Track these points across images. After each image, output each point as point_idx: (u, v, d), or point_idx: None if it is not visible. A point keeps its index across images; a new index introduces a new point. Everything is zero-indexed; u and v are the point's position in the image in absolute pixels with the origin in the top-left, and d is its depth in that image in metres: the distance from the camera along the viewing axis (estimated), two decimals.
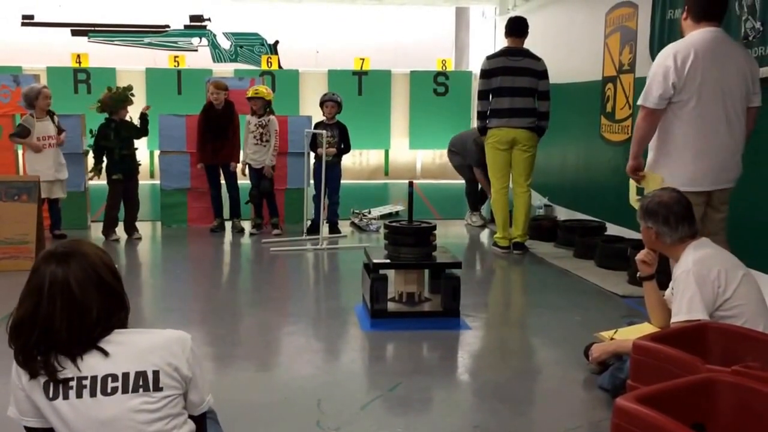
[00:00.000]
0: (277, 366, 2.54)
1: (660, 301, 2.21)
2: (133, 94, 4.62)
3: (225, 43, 7.76)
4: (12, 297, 3.99)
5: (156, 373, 1.17)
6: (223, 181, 4.98)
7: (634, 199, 2.65)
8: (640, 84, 4.34)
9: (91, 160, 4.77)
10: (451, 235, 5.20)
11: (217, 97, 4.77)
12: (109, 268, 1.23)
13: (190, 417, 1.26)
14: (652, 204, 2.12)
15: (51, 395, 1.15)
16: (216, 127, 4.78)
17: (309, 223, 4.78)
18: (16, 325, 1.18)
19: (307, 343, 2.78)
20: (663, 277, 2.28)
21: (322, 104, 4.89)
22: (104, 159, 4.51)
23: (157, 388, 1.17)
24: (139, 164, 4.74)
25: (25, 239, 3.83)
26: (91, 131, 4.66)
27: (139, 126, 4.67)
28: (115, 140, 4.49)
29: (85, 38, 7.57)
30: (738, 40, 3.20)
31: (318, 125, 4.83)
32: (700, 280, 1.96)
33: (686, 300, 1.96)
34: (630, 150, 2.61)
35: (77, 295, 1.17)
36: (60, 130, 4.52)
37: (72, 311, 1.16)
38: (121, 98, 4.54)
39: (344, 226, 5.06)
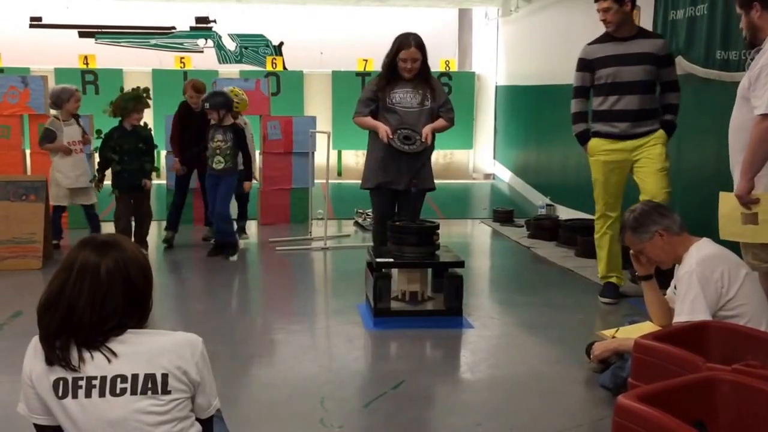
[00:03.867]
0: (281, 364, 2.56)
1: (659, 300, 2.21)
2: (149, 97, 4.17)
3: (230, 45, 7.82)
4: (20, 295, 4.00)
5: (165, 377, 1.18)
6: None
7: (739, 228, 2.18)
8: None
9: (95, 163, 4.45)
10: (454, 234, 5.21)
11: (196, 101, 4.36)
12: (141, 269, 1.24)
13: (197, 420, 1.27)
14: (637, 216, 2.13)
15: (60, 394, 1.16)
16: (196, 131, 4.30)
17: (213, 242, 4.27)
18: (44, 302, 1.20)
19: (310, 341, 2.80)
20: (663, 278, 2.28)
21: (217, 110, 4.08)
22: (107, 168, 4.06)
23: (166, 391, 1.18)
24: (156, 168, 4.21)
25: (33, 239, 3.87)
26: (99, 132, 4.30)
27: (151, 143, 4.18)
28: (119, 153, 3.98)
29: (93, 40, 7.63)
30: (740, 42, 3.19)
31: (210, 128, 4.13)
32: (704, 281, 1.97)
33: (689, 301, 1.96)
34: (742, 169, 2.16)
35: (103, 284, 1.19)
36: (84, 133, 4.27)
37: (96, 297, 1.18)
38: (131, 97, 4.04)
39: (348, 226, 5.09)
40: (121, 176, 4.03)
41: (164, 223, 4.67)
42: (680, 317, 1.99)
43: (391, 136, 3.01)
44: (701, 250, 2.06)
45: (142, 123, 4.18)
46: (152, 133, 4.28)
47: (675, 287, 2.12)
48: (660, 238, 2.11)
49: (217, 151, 4.03)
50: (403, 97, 3.10)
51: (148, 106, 4.15)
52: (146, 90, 4.15)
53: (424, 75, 3.11)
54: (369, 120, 3.13)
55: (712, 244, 2.13)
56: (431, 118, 3.15)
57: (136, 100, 4.03)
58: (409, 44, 2.99)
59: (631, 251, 2.24)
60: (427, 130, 3.10)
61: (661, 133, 3.14)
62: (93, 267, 1.19)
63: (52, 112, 4.32)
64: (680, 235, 2.11)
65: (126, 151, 4.00)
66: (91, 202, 4.27)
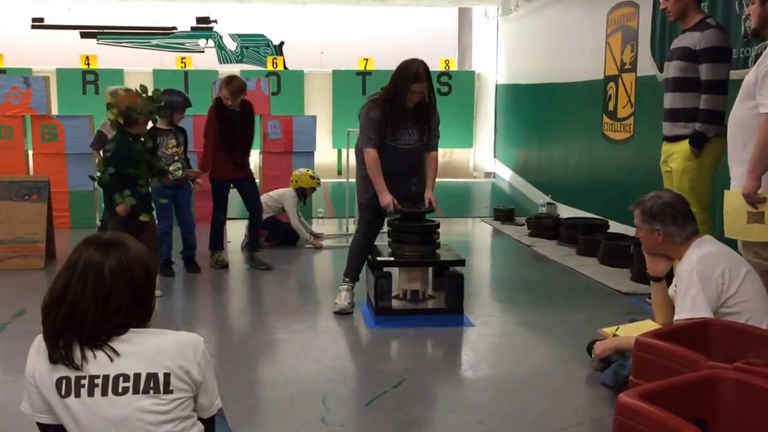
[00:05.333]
0: (283, 363, 2.56)
1: (667, 301, 2.19)
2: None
3: (231, 45, 7.83)
4: (23, 294, 3.99)
5: (167, 376, 1.18)
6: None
7: (745, 227, 2.17)
8: (641, 83, 4.37)
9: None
10: (455, 233, 5.22)
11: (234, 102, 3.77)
12: (144, 268, 1.24)
13: (199, 419, 1.27)
14: (656, 206, 2.10)
15: (63, 393, 1.17)
16: (236, 133, 3.75)
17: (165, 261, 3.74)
18: (49, 300, 1.20)
19: (312, 340, 2.80)
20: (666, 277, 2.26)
21: (167, 109, 3.53)
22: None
23: (168, 390, 1.18)
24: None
25: (36, 238, 3.88)
26: (104, 151, 3.36)
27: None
28: (146, 168, 3.23)
29: (94, 40, 7.65)
30: (738, 39, 3.19)
31: (152, 132, 3.54)
32: (704, 278, 1.96)
33: (690, 298, 1.96)
34: (749, 168, 2.14)
35: (107, 283, 1.19)
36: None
37: (99, 295, 1.19)
38: (158, 103, 3.24)
39: (349, 224, 5.09)
40: (148, 196, 3.30)
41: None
42: (681, 314, 1.99)
43: (397, 206, 2.90)
44: (702, 247, 2.06)
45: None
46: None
47: (676, 285, 2.11)
48: (656, 235, 2.11)
49: (175, 158, 3.65)
50: (404, 133, 2.93)
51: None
52: (157, 92, 3.36)
53: (426, 104, 2.90)
54: (379, 175, 2.88)
55: (712, 241, 2.12)
56: (421, 153, 3.01)
57: (161, 107, 3.30)
58: (421, 78, 2.81)
59: (645, 252, 2.22)
60: (430, 196, 2.98)
61: (683, 145, 2.82)
62: (97, 266, 1.19)
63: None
64: (678, 244, 2.09)
65: (146, 164, 3.28)
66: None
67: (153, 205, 3.43)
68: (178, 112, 3.66)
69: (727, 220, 2.29)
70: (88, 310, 1.18)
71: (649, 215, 2.11)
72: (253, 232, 4.03)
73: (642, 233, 2.16)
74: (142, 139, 3.32)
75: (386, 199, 2.90)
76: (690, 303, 1.96)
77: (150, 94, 3.26)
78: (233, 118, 3.77)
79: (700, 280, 1.96)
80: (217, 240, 3.95)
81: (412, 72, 2.82)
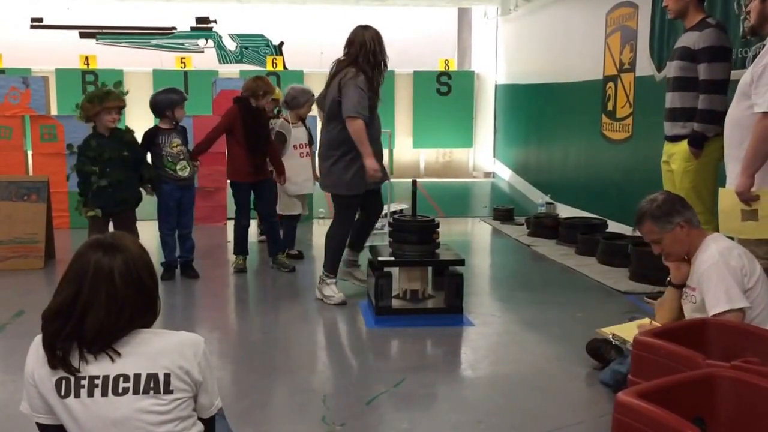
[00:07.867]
0: (283, 362, 2.57)
1: (677, 306, 2.16)
2: (121, 92, 3.37)
3: (230, 45, 7.82)
4: (22, 295, 3.99)
5: (167, 376, 1.18)
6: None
7: (739, 224, 2.19)
8: (640, 83, 4.37)
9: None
10: (455, 232, 5.22)
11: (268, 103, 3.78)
12: (147, 269, 1.23)
13: (199, 419, 1.27)
14: (662, 205, 2.06)
15: (63, 393, 1.16)
16: (260, 134, 3.67)
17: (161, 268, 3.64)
18: (53, 311, 1.18)
19: (312, 339, 2.81)
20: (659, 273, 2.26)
21: (168, 108, 3.54)
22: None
23: (168, 390, 1.18)
24: (156, 176, 3.51)
25: (35, 238, 3.88)
26: (70, 146, 3.56)
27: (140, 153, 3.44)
28: (99, 164, 3.28)
29: (93, 40, 7.64)
30: (736, 39, 3.19)
31: (153, 133, 3.56)
32: (731, 270, 1.95)
33: (723, 290, 1.93)
34: (743, 166, 2.15)
35: (119, 289, 1.18)
36: (310, 137, 3.86)
37: (112, 304, 1.17)
38: (97, 95, 3.29)
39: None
40: (104, 191, 3.29)
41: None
42: (718, 307, 1.93)
43: (379, 175, 2.94)
44: (719, 242, 2.05)
45: (123, 126, 3.52)
46: (135, 137, 3.49)
47: (691, 286, 2.07)
48: (681, 229, 2.06)
49: (180, 157, 3.58)
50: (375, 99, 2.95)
51: (121, 104, 3.35)
52: (117, 84, 3.46)
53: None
54: (366, 141, 2.87)
55: (725, 237, 2.13)
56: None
57: (103, 96, 3.27)
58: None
59: (671, 260, 2.14)
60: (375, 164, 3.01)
61: (683, 146, 2.83)
62: (107, 273, 1.18)
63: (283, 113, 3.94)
64: (698, 228, 2.09)
65: (107, 160, 3.29)
66: (304, 213, 4.05)
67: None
68: (178, 108, 3.59)
69: (721, 217, 2.30)
70: (100, 320, 1.16)
71: (663, 216, 2.06)
72: (271, 235, 3.89)
73: (666, 241, 2.07)
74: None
75: (372, 165, 2.91)
76: (725, 294, 1.93)
77: (106, 88, 3.31)
78: (258, 118, 3.68)
79: (729, 272, 1.94)
80: (239, 245, 3.87)
81: (378, 32, 2.96)
